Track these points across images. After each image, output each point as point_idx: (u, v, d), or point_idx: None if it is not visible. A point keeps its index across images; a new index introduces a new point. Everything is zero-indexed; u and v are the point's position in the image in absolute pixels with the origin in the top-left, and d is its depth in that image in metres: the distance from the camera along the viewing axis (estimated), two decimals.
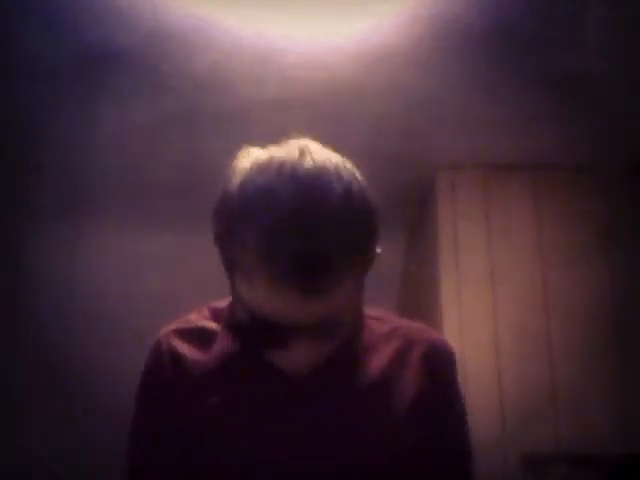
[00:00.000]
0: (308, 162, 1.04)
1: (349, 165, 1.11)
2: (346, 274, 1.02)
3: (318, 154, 1.09)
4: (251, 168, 1.06)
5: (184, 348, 1.20)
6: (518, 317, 2.58)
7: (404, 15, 2.13)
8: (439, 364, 1.22)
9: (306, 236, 0.97)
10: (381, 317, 1.28)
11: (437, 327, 2.51)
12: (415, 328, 1.27)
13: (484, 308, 2.60)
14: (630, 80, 2.30)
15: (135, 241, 2.89)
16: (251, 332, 1.10)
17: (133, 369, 1.42)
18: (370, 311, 1.27)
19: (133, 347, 1.56)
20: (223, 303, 1.22)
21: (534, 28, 2.17)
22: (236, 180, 1.06)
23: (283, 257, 0.96)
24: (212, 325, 1.21)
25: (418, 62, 2.28)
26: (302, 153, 1.06)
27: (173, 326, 1.21)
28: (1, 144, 2.51)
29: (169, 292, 2.86)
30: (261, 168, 1.04)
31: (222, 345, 1.18)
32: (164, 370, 1.20)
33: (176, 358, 1.19)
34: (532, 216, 2.73)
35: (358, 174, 1.11)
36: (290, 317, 1.03)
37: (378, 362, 1.20)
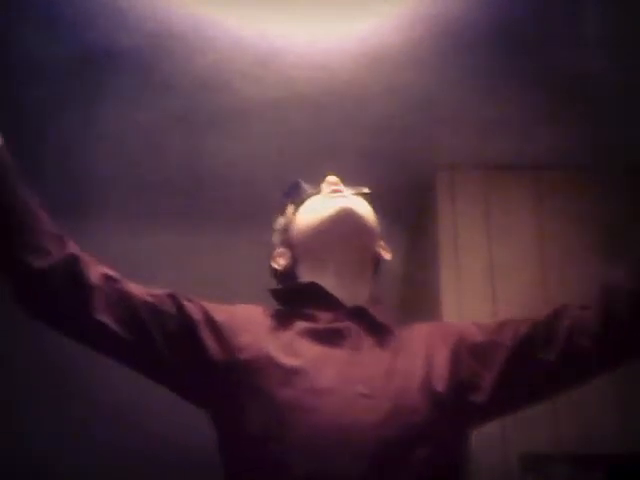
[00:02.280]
0: None
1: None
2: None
3: None
4: None
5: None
6: (518, 317, 2.58)
7: (404, 15, 2.13)
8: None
9: None
10: None
11: None
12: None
13: (484, 308, 2.59)
14: (630, 80, 2.29)
15: (135, 241, 2.89)
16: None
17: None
18: None
19: None
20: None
21: (534, 28, 2.17)
22: None
23: None
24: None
25: (418, 62, 2.28)
26: None
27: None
28: None
29: None
30: None
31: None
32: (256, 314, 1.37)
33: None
34: (532, 216, 2.72)
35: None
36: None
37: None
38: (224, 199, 2.85)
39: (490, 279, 2.65)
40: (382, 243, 1.52)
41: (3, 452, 3.03)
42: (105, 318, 1.25)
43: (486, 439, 2.41)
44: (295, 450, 1.19)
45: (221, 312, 1.35)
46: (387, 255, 1.51)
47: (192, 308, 1.32)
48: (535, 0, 2.09)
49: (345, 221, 1.41)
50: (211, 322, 1.32)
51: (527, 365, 1.32)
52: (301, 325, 1.33)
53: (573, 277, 2.62)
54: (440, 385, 1.28)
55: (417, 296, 2.97)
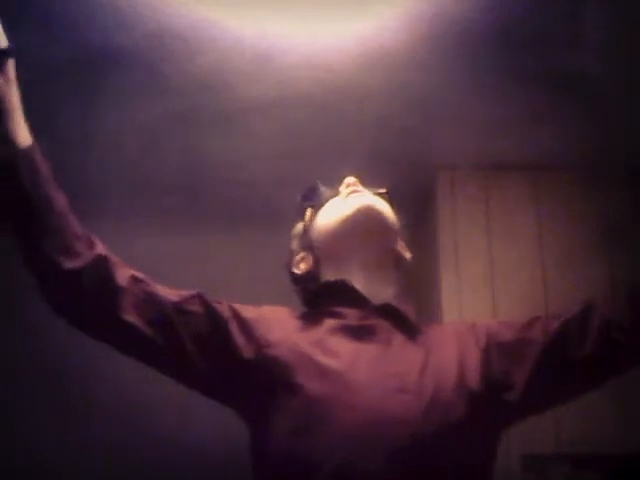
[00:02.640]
0: None
1: None
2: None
3: None
4: None
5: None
6: (518, 317, 2.58)
7: (404, 15, 2.13)
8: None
9: None
10: None
11: None
12: None
13: (484, 308, 2.59)
14: (630, 80, 2.30)
15: (135, 240, 2.88)
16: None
17: (134, 369, 1.41)
18: None
19: None
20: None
21: (534, 28, 2.17)
22: None
23: None
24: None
25: (418, 62, 2.28)
26: None
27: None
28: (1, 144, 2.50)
29: None
30: None
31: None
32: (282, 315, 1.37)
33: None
34: (532, 216, 2.73)
35: None
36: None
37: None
38: (224, 199, 2.85)
39: (490, 279, 2.65)
40: (402, 242, 1.53)
41: (3, 452, 3.03)
42: (134, 319, 1.25)
43: None
44: (329, 446, 1.19)
45: (249, 311, 1.35)
46: (407, 254, 1.52)
47: (220, 307, 1.33)
48: (535, 0, 2.09)
49: (367, 218, 1.41)
50: (240, 320, 1.32)
51: (559, 362, 1.32)
52: (331, 323, 1.33)
53: (573, 277, 2.62)
54: (474, 383, 1.28)
55: (417, 296, 2.96)
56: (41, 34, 2.13)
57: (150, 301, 1.28)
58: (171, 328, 1.28)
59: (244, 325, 1.32)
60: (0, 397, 3.08)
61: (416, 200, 2.89)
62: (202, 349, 1.29)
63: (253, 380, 1.28)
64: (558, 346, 1.32)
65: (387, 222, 1.45)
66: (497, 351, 1.34)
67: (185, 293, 1.33)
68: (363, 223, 1.41)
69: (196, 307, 1.31)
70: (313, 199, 1.51)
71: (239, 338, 1.30)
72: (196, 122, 2.52)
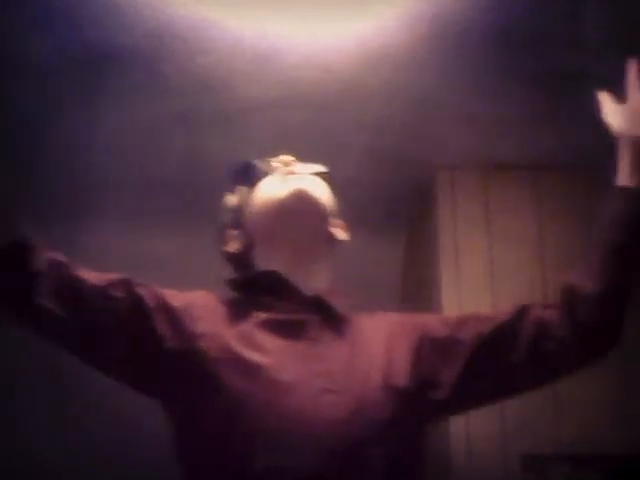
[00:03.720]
0: None
1: None
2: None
3: None
4: None
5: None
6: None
7: (404, 15, 2.13)
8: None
9: None
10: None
11: None
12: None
13: (484, 308, 2.59)
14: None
15: (135, 241, 2.89)
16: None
17: None
18: None
19: None
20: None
21: (534, 28, 2.17)
22: None
23: None
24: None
25: (418, 62, 2.28)
26: None
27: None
28: (1, 144, 2.50)
29: None
30: None
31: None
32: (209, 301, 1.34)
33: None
34: (532, 216, 2.72)
35: None
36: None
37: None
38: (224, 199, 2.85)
39: (490, 279, 2.65)
40: (339, 222, 1.48)
41: (3, 452, 3.03)
42: (48, 303, 1.21)
43: (487, 439, 2.42)
44: (256, 445, 1.17)
45: (178, 298, 1.31)
46: (343, 235, 1.47)
47: (146, 294, 1.28)
48: (535, 0, 2.09)
49: (301, 203, 1.37)
50: (167, 308, 1.28)
51: (489, 365, 1.32)
52: (260, 316, 1.29)
53: None
54: (401, 381, 1.26)
55: (417, 296, 2.97)
56: (41, 34, 2.13)
57: (70, 286, 1.24)
58: (91, 314, 1.24)
59: (170, 314, 1.28)
60: (0, 397, 3.08)
61: (416, 200, 2.89)
62: (124, 337, 1.25)
63: (177, 372, 1.25)
64: (488, 349, 1.31)
65: (320, 207, 1.40)
66: (428, 347, 1.32)
67: (111, 278, 1.28)
68: (297, 208, 1.37)
69: (120, 293, 1.27)
70: (248, 176, 1.46)
71: (163, 327, 1.26)
72: (196, 122, 2.52)
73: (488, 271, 2.66)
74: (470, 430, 2.42)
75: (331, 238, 1.44)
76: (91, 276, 1.28)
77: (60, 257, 1.27)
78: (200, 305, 1.32)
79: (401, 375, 1.27)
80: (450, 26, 2.15)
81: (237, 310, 1.32)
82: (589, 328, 1.31)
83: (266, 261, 1.38)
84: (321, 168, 1.49)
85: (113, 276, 1.29)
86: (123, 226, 2.88)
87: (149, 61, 2.26)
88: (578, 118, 2.48)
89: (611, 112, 1.42)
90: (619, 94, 1.44)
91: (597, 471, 2.41)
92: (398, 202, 2.88)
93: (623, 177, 1.38)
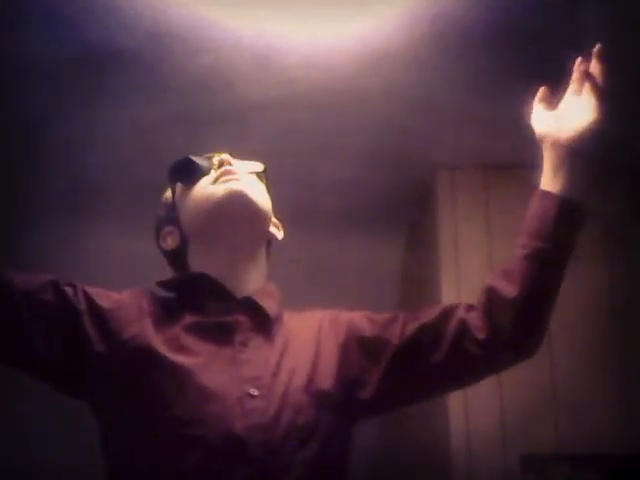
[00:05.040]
0: None
1: None
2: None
3: None
4: None
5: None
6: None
7: (404, 15, 2.13)
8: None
9: None
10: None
11: None
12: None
13: None
14: (630, 80, 2.29)
15: (135, 241, 2.88)
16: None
17: None
18: None
19: None
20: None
21: (534, 28, 2.17)
22: None
23: None
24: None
25: (418, 62, 2.28)
26: None
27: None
28: (1, 143, 2.50)
29: None
30: None
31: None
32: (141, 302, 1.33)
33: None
34: None
35: None
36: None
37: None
38: None
39: None
40: (275, 221, 1.48)
41: (3, 452, 3.03)
42: None
43: (487, 440, 2.42)
44: (181, 452, 1.17)
45: (107, 299, 1.30)
46: (279, 234, 1.47)
47: (74, 295, 1.28)
48: (535, 1, 2.08)
49: (236, 205, 1.36)
50: (95, 309, 1.27)
51: (412, 365, 1.32)
52: (189, 319, 1.29)
53: (573, 277, 2.61)
54: (326, 383, 1.27)
55: (417, 296, 2.97)
56: (41, 34, 2.12)
57: None
58: (19, 319, 1.23)
59: (99, 316, 1.27)
60: (0, 397, 3.08)
61: (416, 200, 2.89)
62: (51, 340, 1.24)
63: (105, 375, 1.25)
64: (411, 350, 1.32)
65: (257, 209, 1.39)
66: (356, 345, 1.33)
67: (38, 281, 1.27)
68: (231, 210, 1.36)
69: (48, 296, 1.26)
70: (185, 173, 1.45)
71: (92, 330, 1.25)
72: (196, 122, 2.52)
73: (488, 271, 2.66)
74: (470, 430, 2.41)
75: (268, 238, 1.44)
76: (19, 280, 1.26)
77: None
78: (129, 306, 1.31)
79: (326, 377, 1.28)
80: (450, 26, 2.15)
81: (167, 311, 1.31)
82: (508, 331, 1.31)
83: (200, 260, 1.38)
84: (259, 166, 1.49)
85: (42, 279, 1.28)
86: (123, 226, 2.88)
87: (149, 61, 2.26)
88: None
89: (539, 113, 1.40)
90: (555, 92, 1.43)
91: (597, 471, 2.41)
92: (398, 202, 2.87)
93: (545, 181, 1.38)
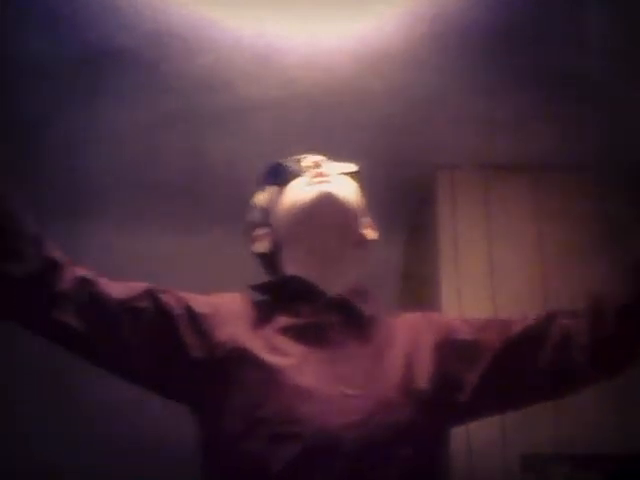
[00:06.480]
0: None
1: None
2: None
3: None
4: None
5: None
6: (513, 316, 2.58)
7: (404, 15, 2.13)
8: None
9: None
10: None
11: None
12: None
13: (484, 308, 2.59)
14: (630, 80, 2.29)
15: (135, 241, 2.89)
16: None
17: None
18: None
19: None
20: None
21: (534, 28, 2.17)
22: None
23: None
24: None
25: (418, 62, 2.28)
26: None
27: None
28: (1, 144, 2.51)
29: None
30: None
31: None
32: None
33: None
34: (532, 216, 2.72)
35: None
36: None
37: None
38: (224, 199, 2.85)
39: (490, 279, 2.65)
40: (368, 221, 1.49)
41: (3, 452, 3.03)
42: (72, 323, 1.22)
43: (487, 440, 2.42)
44: (276, 450, 1.18)
45: (203, 304, 1.32)
46: (372, 235, 1.48)
47: (171, 303, 1.29)
48: (535, 0, 2.09)
49: (327, 207, 1.37)
50: (192, 316, 1.29)
51: (511, 370, 1.31)
52: (282, 321, 1.30)
53: (573, 277, 2.62)
54: (422, 383, 1.27)
55: (417, 296, 2.97)
56: (41, 34, 2.13)
57: (95, 302, 1.24)
58: (117, 329, 1.24)
59: (196, 322, 1.29)
60: (0, 397, 3.08)
61: (416, 200, 2.89)
62: (150, 347, 1.26)
63: (203, 379, 1.27)
64: (512, 354, 1.31)
65: (347, 211, 1.40)
66: (452, 349, 1.32)
67: (135, 289, 1.29)
68: (321, 211, 1.37)
69: (145, 304, 1.27)
70: (278, 177, 1.46)
71: (189, 336, 1.27)
72: (196, 122, 2.52)
73: (488, 271, 2.66)
74: (470, 430, 2.41)
75: (360, 239, 1.44)
76: (116, 290, 1.28)
77: (85, 273, 1.27)
78: (224, 311, 1.33)
79: (422, 377, 1.27)
80: (450, 26, 2.15)
81: (261, 314, 1.33)
82: (614, 341, 1.29)
83: (293, 263, 1.40)
84: (351, 167, 1.49)
85: (138, 287, 1.30)
86: (123, 226, 2.88)
87: (149, 61, 2.26)
88: (578, 118, 2.49)
89: None
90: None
91: (597, 471, 2.41)
92: (398, 202, 2.87)
93: None
